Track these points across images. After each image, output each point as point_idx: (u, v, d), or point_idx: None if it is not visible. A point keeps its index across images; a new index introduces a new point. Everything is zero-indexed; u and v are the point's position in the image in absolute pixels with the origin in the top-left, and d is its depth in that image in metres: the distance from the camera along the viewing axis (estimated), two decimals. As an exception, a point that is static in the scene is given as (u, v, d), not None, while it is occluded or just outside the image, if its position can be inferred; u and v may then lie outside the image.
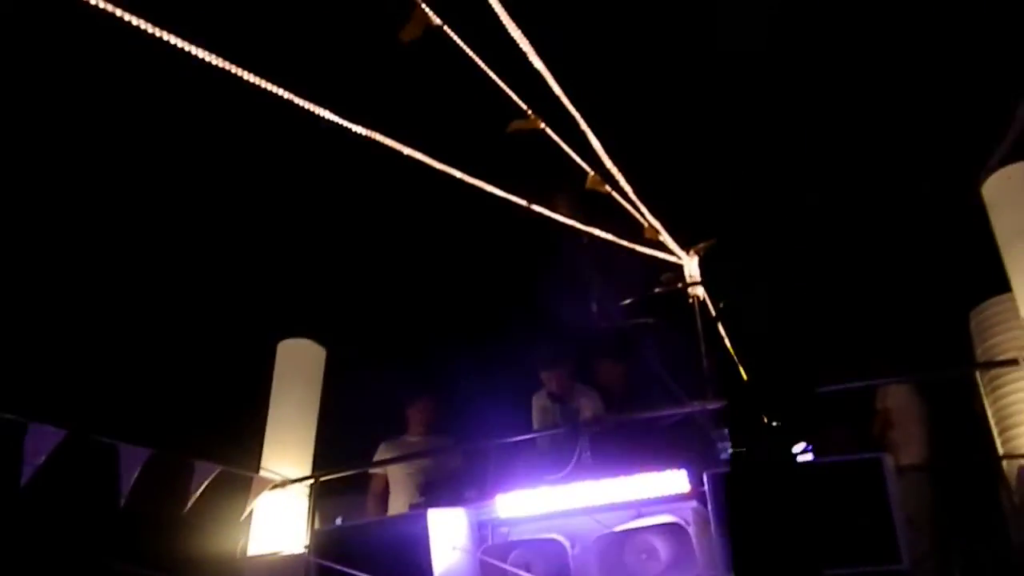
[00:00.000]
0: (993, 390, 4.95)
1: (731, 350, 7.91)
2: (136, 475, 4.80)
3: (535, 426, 6.37)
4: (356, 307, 8.86)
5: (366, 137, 4.68)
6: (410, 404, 6.78)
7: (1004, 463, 4.52)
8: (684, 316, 7.49)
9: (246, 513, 5.71)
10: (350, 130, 4.56)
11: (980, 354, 5.12)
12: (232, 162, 9.04)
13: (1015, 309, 4.59)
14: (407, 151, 5.03)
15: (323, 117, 4.39)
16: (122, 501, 4.56)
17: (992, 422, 4.87)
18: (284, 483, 6.04)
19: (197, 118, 8.43)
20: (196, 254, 9.00)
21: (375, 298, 9.01)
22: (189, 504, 5.01)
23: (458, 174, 5.53)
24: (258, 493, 5.97)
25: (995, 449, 4.62)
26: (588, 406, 6.13)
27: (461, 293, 8.93)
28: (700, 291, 7.72)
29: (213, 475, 5.33)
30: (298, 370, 6.77)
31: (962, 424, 4.78)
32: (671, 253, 7.83)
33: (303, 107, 4.20)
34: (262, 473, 6.25)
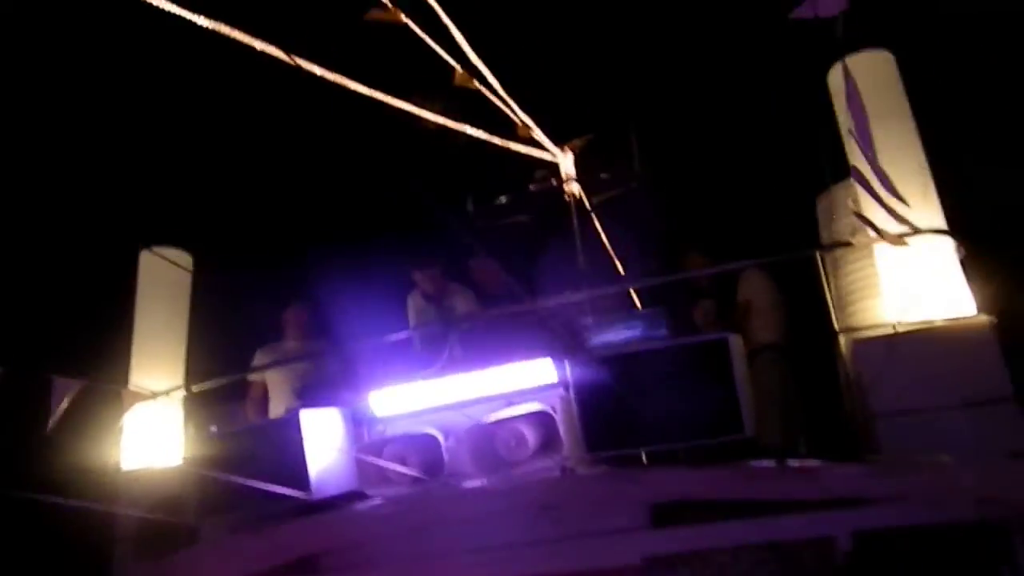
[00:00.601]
0: (835, 270, 5.28)
1: (606, 244, 8.17)
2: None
3: (411, 325, 6.42)
4: (223, 211, 8.56)
5: (221, 33, 4.43)
6: (284, 310, 6.70)
7: (841, 339, 4.87)
8: (559, 213, 7.64)
9: (117, 428, 5.59)
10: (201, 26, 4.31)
11: (825, 237, 5.43)
12: (95, 60, 8.44)
13: (855, 194, 4.84)
14: (263, 47, 4.80)
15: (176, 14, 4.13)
16: None
17: (832, 301, 5.20)
18: (154, 395, 5.93)
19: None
20: (57, 158, 8.44)
21: (243, 202, 8.72)
22: (52, 423, 4.84)
23: (319, 71, 5.34)
24: (129, 407, 5.84)
25: (834, 327, 4.96)
26: (461, 304, 6.21)
27: (334, 195, 8.75)
28: (575, 187, 7.88)
29: (75, 391, 5.15)
30: (164, 279, 6.56)
31: (810, 306, 5.09)
32: (546, 151, 7.91)
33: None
34: (131, 387, 6.12)
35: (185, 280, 6.73)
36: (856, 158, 4.52)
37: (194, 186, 8.58)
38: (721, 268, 5.62)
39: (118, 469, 5.98)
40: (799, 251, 4.73)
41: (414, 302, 6.50)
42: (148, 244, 6.62)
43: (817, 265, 4.70)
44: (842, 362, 4.86)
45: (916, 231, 4.44)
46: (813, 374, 5.11)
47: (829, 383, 4.91)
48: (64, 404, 5.15)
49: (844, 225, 5.05)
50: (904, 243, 4.32)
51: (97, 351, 6.35)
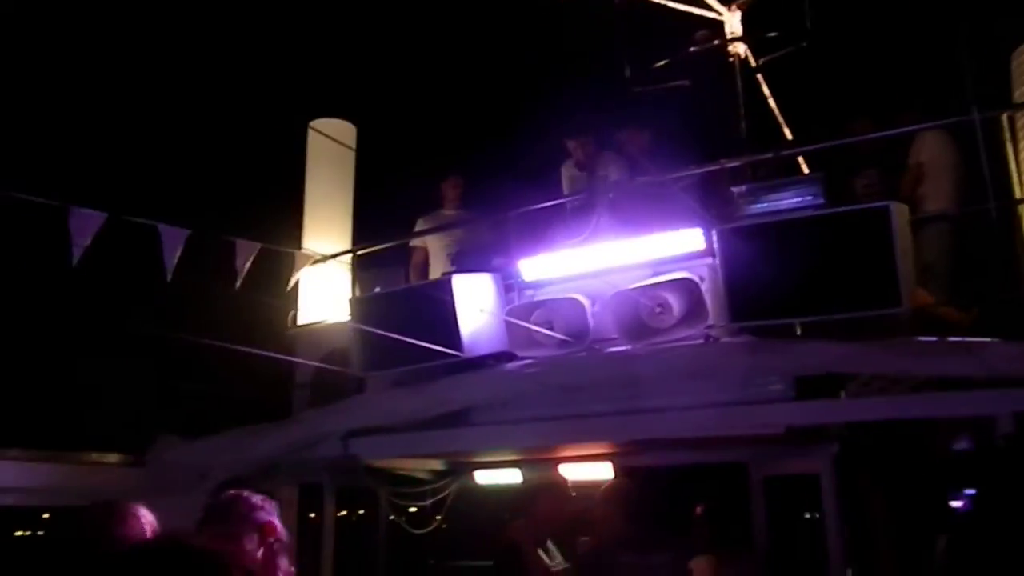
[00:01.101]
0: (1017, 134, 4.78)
1: (774, 107, 7.71)
2: (178, 254, 5.05)
3: (565, 194, 6.44)
4: (384, 86, 8.78)
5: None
6: (443, 180, 6.89)
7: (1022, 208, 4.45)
8: (720, 77, 7.26)
9: (289, 286, 6.05)
10: None
11: (1018, 96, 4.89)
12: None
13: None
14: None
15: None
16: (168, 278, 4.82)
17: (1013, 167, 4.73)
18: (324, 258, 6.35)
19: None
20: (224, 38, 8.89)
21: (403, 77, 8.88)
22: (239, 281, 5.29)
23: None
24: (300, 268, 6.29)
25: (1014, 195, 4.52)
26: (614, 172, 6.15)
27: (487, 67, 8.73)
28: (741, 48, 7.42)
29: (255, 252, 5.59)
30: (331, 148, 6.90)
31: (990, 172, 4.64)
32: (710, 8, 7.46)
33: None
34: (304, 249, 6.57)
35: (350, 150, 7.04)
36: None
37: (358, 61, 8.82)
38: (896, 131, 5.17)
39: (295, 323, 6.54)
40: (983, 111, 4.28)
41: (567, 171, 6.50)
42: (315, 115, 6.95)
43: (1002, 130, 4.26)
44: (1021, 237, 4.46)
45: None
46: (989, 247, 4.70)
47: (1008, 258, 4.52)
48: (247, 264, 5.62)
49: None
50: None
51: (273, 217, 6.82)
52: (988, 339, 3.89)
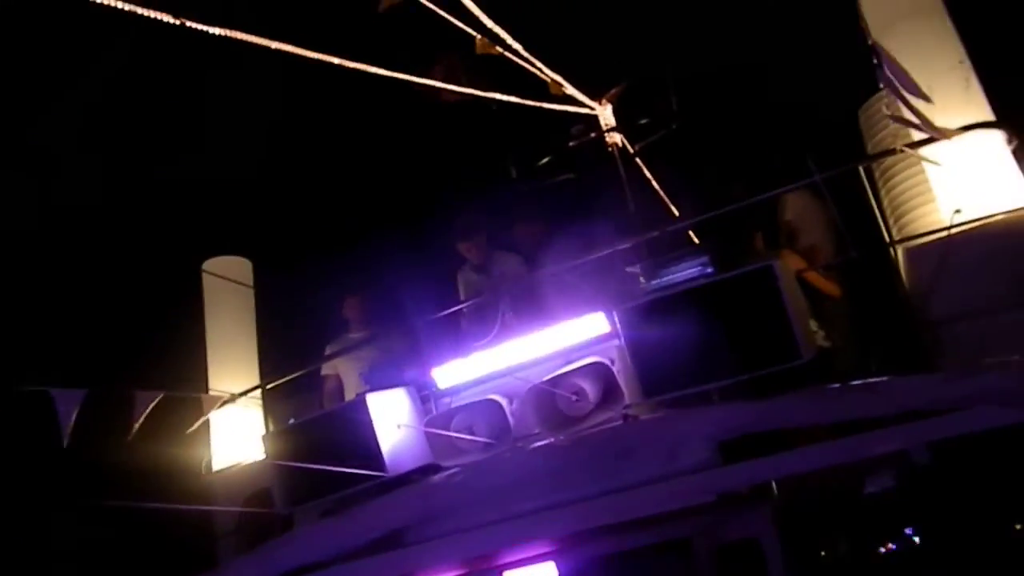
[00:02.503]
0: (886, 182, 5.10)
1: (656, 186, 8.06)
2: (74, 416, 4.84)
3: (463, 299, 6.48)
4: (275, 216, 8.79)
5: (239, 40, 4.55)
6: (341, 303, 6.83)
7: (897, 249, 4.71)
8: (602, 165, 7.58)
9: (194, 428, 5.86)
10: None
11: (871, 148, 5.24)
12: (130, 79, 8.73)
13: (896, 105, 4.65)
14: (277, 46, 4.89)
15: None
16: (64, 444, 4.60)
17: (888, 212, 5.04)
18: (233, 397, 6.18)
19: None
20: (111, 183, 8.80)
21: (292, 204, 8.93)
22: (132, 431, 5.08)
23: (341, 62, 5.42)
24: (209, 410, 6.11)
25: (888, 237, 4.80)
26: (511, 268, 6.24)
27: (378, 184, 8.87)
28: (617, 137, 7.79)
29: (155, 401, 5.41)
30: (228, 287, 6.82)
31: (858, 219, 4.93)
32: (582, 105, 7.84)
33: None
34: (211, 392, 6.40)
35: (248, 288, 6.98)
36: (883, 65, 4.35)
37: (244, 195, 8.83)
38: (759, 197, 5.46)
39: (210, 469, 6.30)
40: (841, 165, 4.57)
41: (464, 277, 6.56)
42: (208, 255, 6.89)
43: (861, 180, 4.55)
44: (899, 272, 4.70)
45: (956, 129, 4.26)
46: (870, 289, 4.94)
47: (887, 296, 4.76)
48: (145, 414, 5.42)
49: (886, 134, 4.87)
50: (956, 133, 4.13)
51: (175, 362, 6.64)
52: (886, 377, 4.04)
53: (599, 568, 5.53)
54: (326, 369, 6.79)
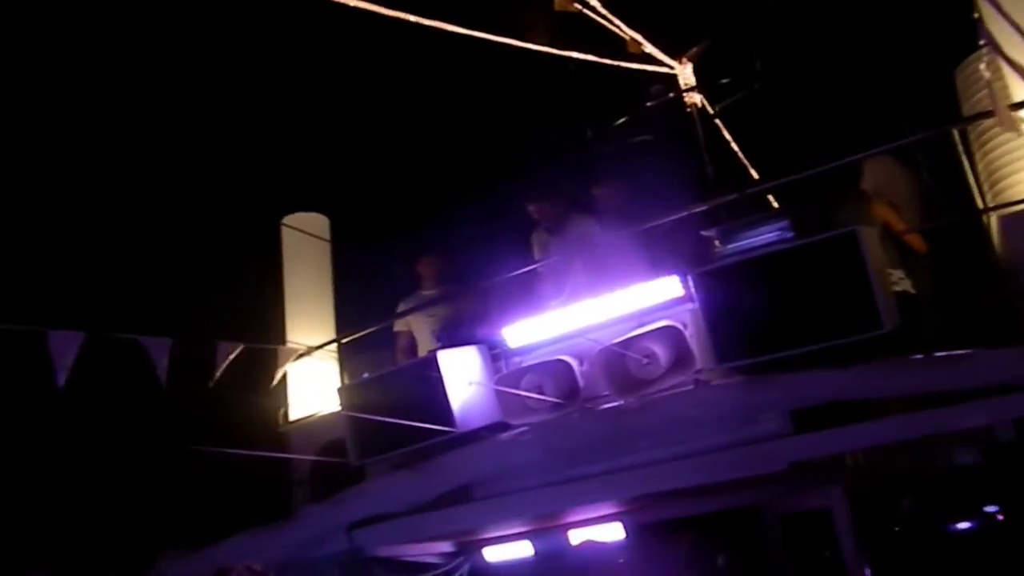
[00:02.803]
0: (982, 146, 4.86)
1: (736, 148, 7.86)
2: (165, 362, 5.03)
3: (537, 260, 6.46)
4: (354, 175, 8.88)
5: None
6: (418, 261, 6.89)
7: (991, 217, 4.49)
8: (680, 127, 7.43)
9: (275, 381, 6.02)
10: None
11: (967, 109, 4.99)
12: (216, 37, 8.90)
13: (997, 64, 4.41)
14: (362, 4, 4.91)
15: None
16: (163, 385, 4.76)
17: (983, 179, 4.80)
18: (310, 350, 6.34)
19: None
20: (189, 138, 9.02)
21: (372, 163, 9.00)
22: (213, 379, 5.26)
23: (421, 20, 5.41)
24: (285, 362, 6.28)
25: (982, 203, 4.58)
26: (581, 231, 6.17)
27: (456, 145, 8.87)
28: (697, 97, 7.61)
29: (236, 352, 5.58)
30: (306, 242, 6.95)
31: (951, 185, 4.72)
32: (661, 64, 7.67)
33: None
34: (288, 344, 6.57)
35: (325, 242, 7.11)
36: (989, 20, 4.10)
37: (326, 153, 8.94)
38: (845, 160, 5.23)
39: (287, 419, 6.49)
40: (931, 129, 4.36)
41: (538, 238, 6.53)
42: (286, 211, 7.04)
43: (954, 143, 4.34)
44: (991, 242, 4.49)
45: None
46: (962, 257, 4.73)
47: (979, 264, 4.55)
48: (225, 364, 5.59)
49: (985, 95, 4.62)
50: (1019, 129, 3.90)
51: (256, 316, 6.83)
52: (971, 350, 3.88)
53: (666, 531, 5.55)
54: (399, 326, 6.89)
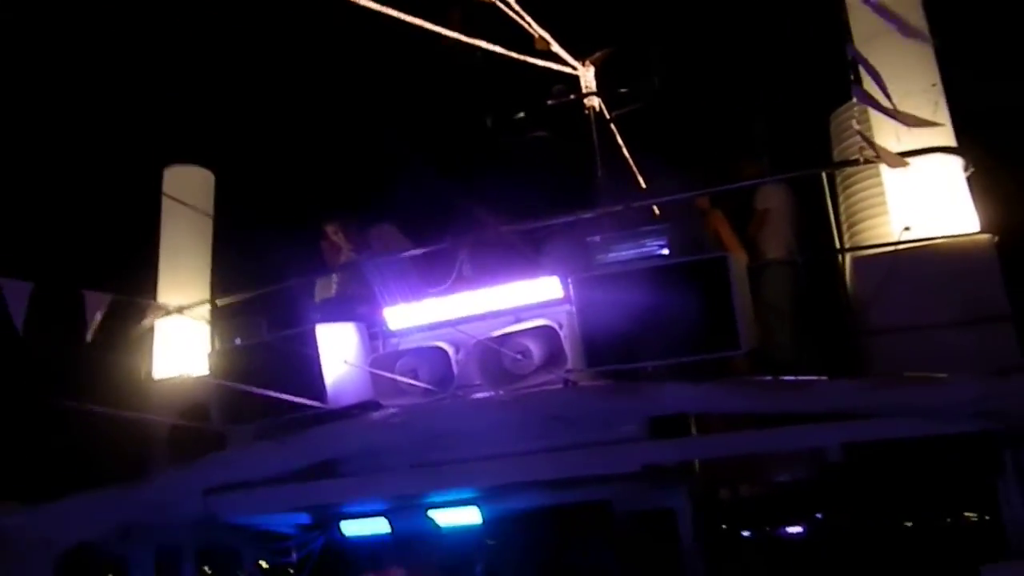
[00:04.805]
0: (845, 189, 5.27)
1: (628, 158, 8.15)
2: (25, 309, 4.80)
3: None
4: (244, 134, 8.64)
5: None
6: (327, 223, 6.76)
7: (847, 256, 4.90)
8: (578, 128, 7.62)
9: (140, 334, 5.87)
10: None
11: (836, 155, 5.39)
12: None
13: (867, 114, 4.79)
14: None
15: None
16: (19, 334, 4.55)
17: (843, 219, 5.21)
18: (180, 309, 6.19)
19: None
20: (74, 80, 8.54)
21: (264, 125, 8.77)
22: (90, 334, 5.07)
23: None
24: (153, 318, 6.12)
25: (840, 243, 5.00)
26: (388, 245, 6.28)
27: (349, 118, 8.77)
28: (596, 101, 7.82)
29: (106, 304, 5.39)
30: (188, 196, 6.71)
31: (817, 221, 5.12)
32: (565, 64, 7.84)
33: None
34: (159, 300, 6.38)
35: (208, 198, 6.91)
36: (862, 77, 4.46)
37: (217, 107, 8.63)
38: (740, 184, 5.59)
39: (150, 377, 6.31)
40: (807, 168, 4.72)
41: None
42: (171, 162, 6.80)
43: (823, 183, 4.70)
44: (845, 279, 4.90)
45: (916, 151, 4.43)
46: (818, 290, 5.14)
47: (833, 299, 4.96)
48: (97, 317, 5.39)
49: (853, 142, 5.01)
50: (904, 163, 4.29)
51: (126, 267, 6.58)
52: (816, 377, 4.25)
53: (522, 519, 5.77)
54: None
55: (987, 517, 4.88)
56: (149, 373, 6.35)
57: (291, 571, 6.40)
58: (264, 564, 6.38)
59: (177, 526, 5.54)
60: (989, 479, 4.77)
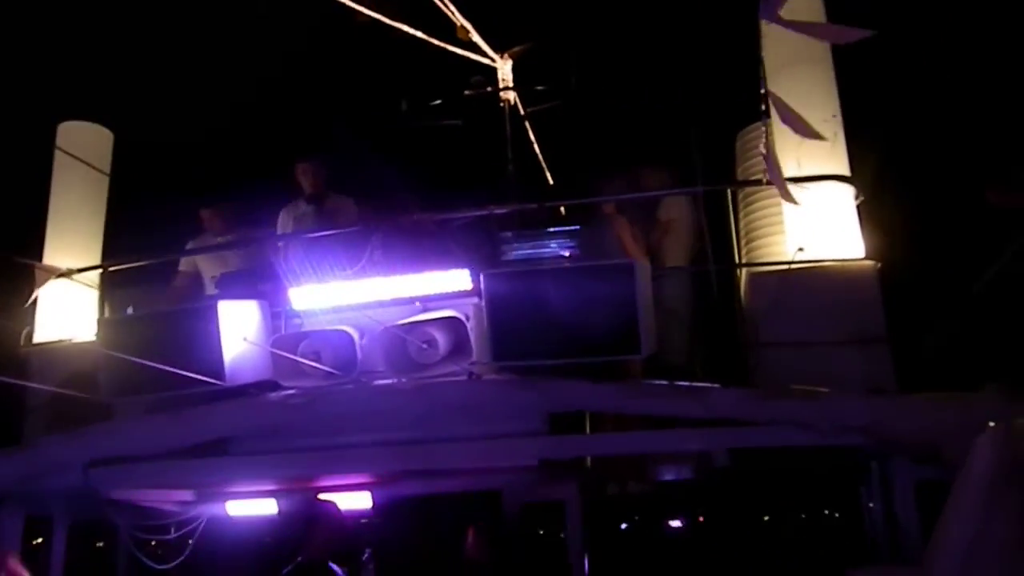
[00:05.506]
0: (747, 206, 5.54)
1: (538, 154, 8.29)
2: None
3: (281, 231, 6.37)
4: (145, 94, 8.29)
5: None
6: (203, 207, 6.54)
7: (742, 271, 5.17)
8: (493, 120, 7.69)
9: (29, 302, 5.58)
10: None
11: (740, 173, 5.66)
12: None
13: (773, 134, 5.04)
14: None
15: None
16: None
17: (741, 234, 5.48)
18: (69, 272, 5.91)
19: None
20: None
21: (166, 87, 8.45)
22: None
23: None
24: (41, 283, 5.82)
25: (738, 257, 5.27)
26: (343, 212, 6.20)
27: (257, 88, 8.55)
28: (512, 96, 7.91)
29: (-12, 263, 5.13)
30: (82, 155, 6.39)
31: (718, 234, 5.36)
32: (484, 55, 7.89)
33: None
34: (45, 262, 6.08)
35: (105, 157, 6.61)
36: (769, 102, 4.69)
37: (118, 64, 8.25)
38: (654, 193, 5.81)
39: (30, 341, 6.00)
40: (712, 184, 4.94)
41: (293, 210, 6.40)
42: (66, 117, 6.46)
43: (726, 199, 4.93)
44: (740, 293, 5.16)
45: (812, 177, 4.73)
46: (714, 300, 5.39)
47: (728, 310, 5.21)
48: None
49: (756, 164, 5.27)
50: (795, 201, 4.57)
51: (12, 226, 6.24)
52: (710, 384, 4.48)
53: (413, 505, 5.83)
54: (185, 265, 6.52)
55: (851, 521, 5.27)
56: (30, 335, 6.04)
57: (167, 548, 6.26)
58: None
59: (52, 496, 5.34)
60: (855, 487, 5.16)
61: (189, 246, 6.46)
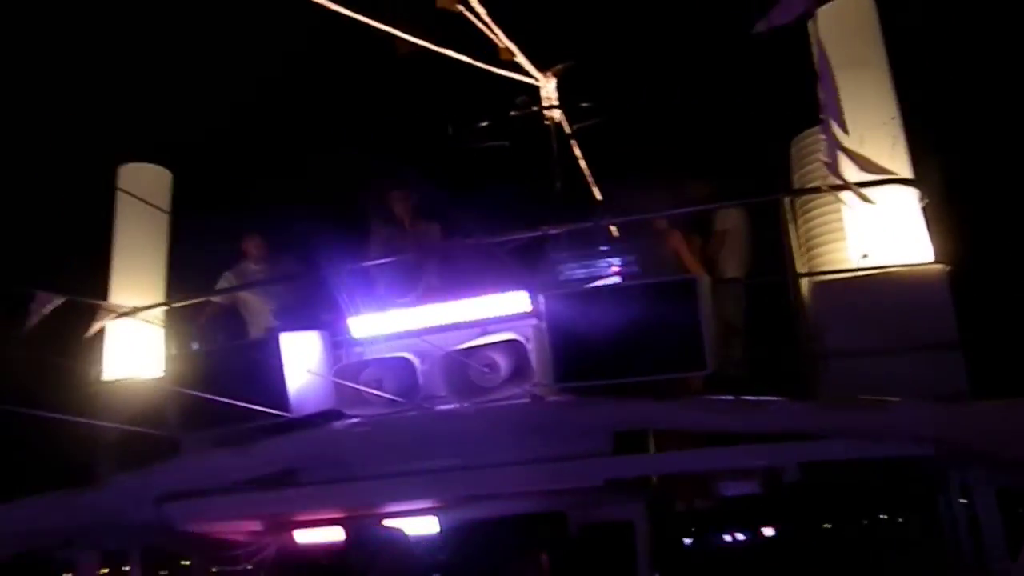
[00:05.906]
0: (804, 213, 5.44)
1: (586, 172, 8.27)
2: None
3: (376, 252, 6.44)
4: (203, 134, 8.48)
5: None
6: (244, 238, 6.71)
7: (804, 280, 5.07)
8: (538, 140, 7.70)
9: (89, 334, 5.72)
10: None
11: (796, 180, 5.57)
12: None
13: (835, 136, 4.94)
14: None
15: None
16: None
17: (800, 242, 5.39)
18: (133, 311, 6.04)
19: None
20: (28, 74, 8.28)
21: (221, 126, 8.63)
22: (26, 328, 4.93)
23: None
24: (103, 318, 5.96)
25: (796, 267, 5.17)
26: (430, 236, 6.25)
27: (312, 120, 8.70)
28: (557, 114, 7.92)
29: (53, 304, 5.26)
30: (143, 195, 6.56)
31: (772, 244, 5.28)
32: (528, 75, 7.91)
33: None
34: (111, 301, 6.22)
35: (164, 197, 6.76)
36: (825, 108, 4.62)
37: (177, 108, 8.46)
38: (703, 206, 5.75)
39: (99, 380, 6.13)
40: (769, 193, 4.86)
41: (381, 230, 6.49)
42: (127, 160, 6.64)
43: (782, 208, 4.85)
44: (802, 302, 5.06)
45: (874, 182, 4.62)
46: (773, 310, 5.30)
47: (785, 321, 5.12)
48: (41, 315, 5.26)
49: (813, 168, 5.18)
50: (868, 200, 4.47)
51: (77, 267, 6.41)
52: (774, 398, 4.39)
53: (479, 529, 5.80)
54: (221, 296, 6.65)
55: (929, 530, 5.10)
56: (98, 374, 6.18)
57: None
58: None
59: (128, 532, 5.43)
60: (932, 495, 5.00)
61: (225, 276, 6.59)
